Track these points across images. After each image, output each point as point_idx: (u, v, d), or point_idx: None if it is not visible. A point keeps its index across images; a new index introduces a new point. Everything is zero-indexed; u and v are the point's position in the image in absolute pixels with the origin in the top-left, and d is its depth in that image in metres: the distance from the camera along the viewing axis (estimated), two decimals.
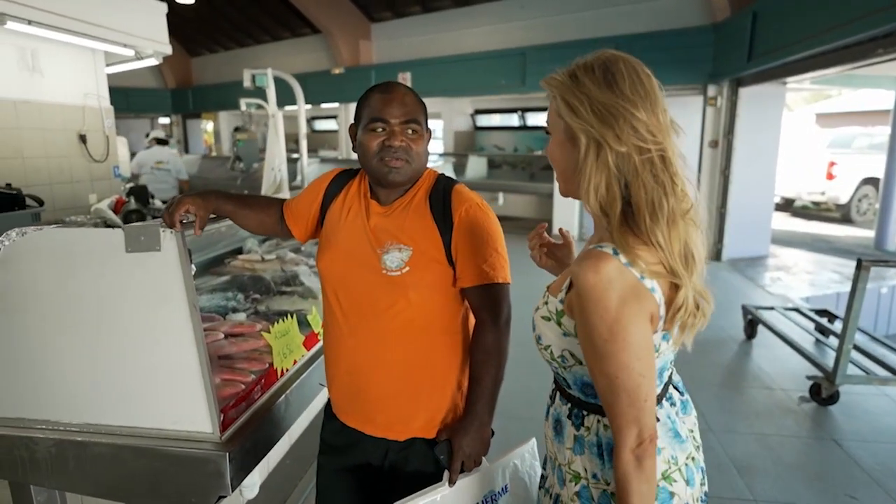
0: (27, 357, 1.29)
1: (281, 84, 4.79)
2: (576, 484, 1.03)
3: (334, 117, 12.60)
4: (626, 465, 0.90)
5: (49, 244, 1.27)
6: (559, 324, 1.01)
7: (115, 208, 4.25)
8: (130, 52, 4.44)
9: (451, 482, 1.24)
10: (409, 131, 1.25)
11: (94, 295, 1.25)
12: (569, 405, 1.07)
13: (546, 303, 1.05)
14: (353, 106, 1.36)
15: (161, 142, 6.52)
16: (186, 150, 13.58)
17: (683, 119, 0.99)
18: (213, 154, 12.46)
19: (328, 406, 1.45)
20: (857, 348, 3.38)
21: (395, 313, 1.26)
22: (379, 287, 1.26)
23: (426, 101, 1.35)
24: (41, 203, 3.55)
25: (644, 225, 0.91)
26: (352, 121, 1.34)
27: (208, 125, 14.05)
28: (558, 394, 1.11)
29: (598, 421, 1.02)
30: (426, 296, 1.27)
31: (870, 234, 8.72)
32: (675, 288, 0.93)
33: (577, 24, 7.85)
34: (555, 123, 1.00)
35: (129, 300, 1.24)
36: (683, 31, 6.86)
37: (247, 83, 4.63)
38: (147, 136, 6.59)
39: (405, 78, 9.08)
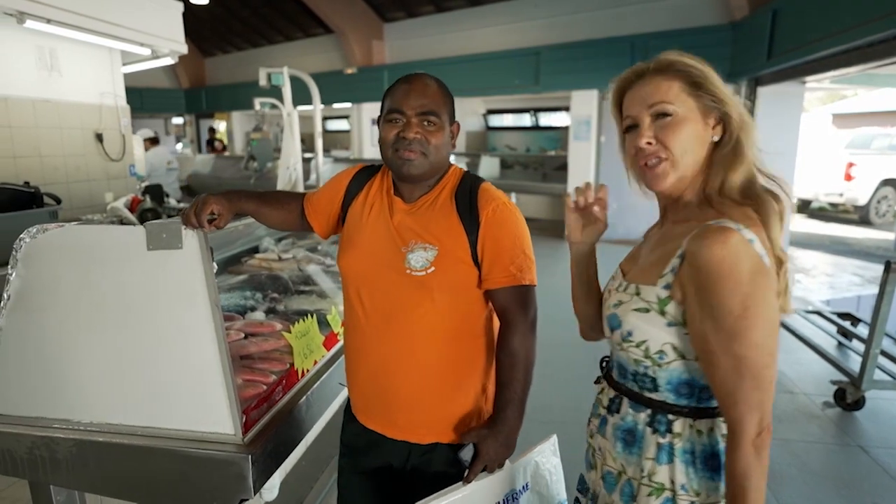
0: (47, 356, 1.27)
1: (294, 84, 4.79)
2: (657, 497, 0.95)
3: (346, 117, 12.61)
4: (747, 457, 0.83)
5: (70, 242, 1.26)
6: (662, 313, 0.93)
7: (131, 207, 4.28)
8: (147, 52, 4.46)
9: (467, 480, 1.20)
10: (426, 123, 1.22)
11: (115, 293, 1.23)
12: (648, 411, 0.99)
13: (637, 293, 0.98)
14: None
15: (154, 141, 6.44)
16: (199, 150, 13.67)
17: None
18: (227, 153, 12.53)
19: (347, 408, 1.42)
20: (882, 353, 3.30)
21: (419, 315, 1.23)
22: (403, 287, 1.23)
23: None
24: (58, 201, 3.56)
25: (760, 216, 0.91)
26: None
27: (221, 125, 14.13)
28: (626, 401, 1.03)
29: (691, 426, 0.95)
30: (451, 297, 1.24)
31: (889, 236, 8.59)
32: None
33: (592, 23, 7.79)
34: (683, 102, 0.97)
35: (149, 298, 1.22)
36: (700, 30, 6.78)
37: (262, 82, 4.63)
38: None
39: None
